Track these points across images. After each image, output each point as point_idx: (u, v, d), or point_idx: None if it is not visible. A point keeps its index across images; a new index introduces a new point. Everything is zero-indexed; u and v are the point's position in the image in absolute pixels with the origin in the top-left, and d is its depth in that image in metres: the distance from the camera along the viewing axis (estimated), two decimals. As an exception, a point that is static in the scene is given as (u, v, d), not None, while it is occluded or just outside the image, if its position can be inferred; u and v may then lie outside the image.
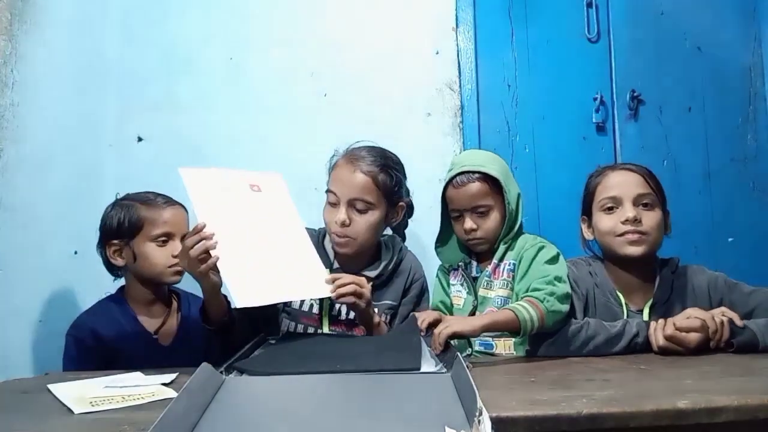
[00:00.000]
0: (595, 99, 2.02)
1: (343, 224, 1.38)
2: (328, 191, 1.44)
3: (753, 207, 2.05)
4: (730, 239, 2.02)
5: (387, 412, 0.80)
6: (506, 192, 1.37)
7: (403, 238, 1.60)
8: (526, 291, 1.26)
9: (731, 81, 2.10)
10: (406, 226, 1.60)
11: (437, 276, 1.54)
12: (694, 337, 1.14)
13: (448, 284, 1.49)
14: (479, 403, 0.69)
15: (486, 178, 1.37)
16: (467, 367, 0.87)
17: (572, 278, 1.35)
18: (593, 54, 2.05)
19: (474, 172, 1.38)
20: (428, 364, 1.03)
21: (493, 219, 1.39)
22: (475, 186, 1.37)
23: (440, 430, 0.67)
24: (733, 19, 2.12)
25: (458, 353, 1.00)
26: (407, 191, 1.53)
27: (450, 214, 1.44)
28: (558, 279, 1.26)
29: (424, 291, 1.52)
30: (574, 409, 0.75)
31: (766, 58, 2.11)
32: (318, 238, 1.51)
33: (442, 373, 0.97)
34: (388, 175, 1.43)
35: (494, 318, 1.19)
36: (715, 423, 0.76)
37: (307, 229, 1.48)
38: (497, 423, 0.70)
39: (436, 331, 1.13)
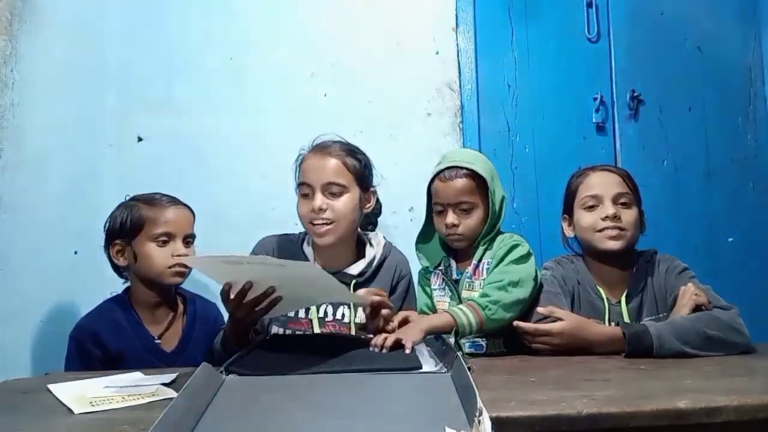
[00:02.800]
0: (595, 99, 2.02)
1: (320, 209, 1.39)
2: (299, 186, 1.45)
3: (753, 207, 2.05)
4: (730, 239, 2.02)
5: (387, 412, 0.80)
6: (491, 192, 1.38)
7: (375, 226, 1.61)
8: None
9: (731, 81, 2.10)
10: (377, 215, 1.62)
11: (419, 281, 1.55)
12: (557, 325, 1.20)
13: (430, 288, 1.50)
14: (479, 403, 0.69)
15: (473, 175, 1.39)
16: (469, 369, 0.88)
17: (560, 276, 1.41)
18: (593, 54, 2.05)
19: (462, 168, 1.39)
20: (428, 364, 1.03)
21: (475, 217, 1.40)
22: (462, 181, 1.39)
23: (440, 430, 0.67)
24: (733, 19, 2.12)
25: (458, 353, 1.00)
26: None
27: (434, 207, 1.45)
28: (513, 284, 1.30)
29: (410, 288, 1.53)
30: (574, 409, 0.75)
31: (766, 58, 2.11)
32: (298, 242, 1.51)
33: (442, 373, 0.97)
34: (355, 159, 1.46)
35: (434, 323, 1.25)
36: (715, 423, 0.76)
37: (287, 234, 1.52)
38: (497, 423, 0.70)
39: (378, 343, 1.13)
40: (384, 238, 1.56)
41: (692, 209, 2.00)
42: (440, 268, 1.48)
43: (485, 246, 1.41)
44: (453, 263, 1.47)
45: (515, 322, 1.25)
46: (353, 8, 2.04)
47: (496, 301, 1.27)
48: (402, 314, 1.33)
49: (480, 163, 1.41)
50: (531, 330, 1.22)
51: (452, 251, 1.48)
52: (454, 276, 1.45)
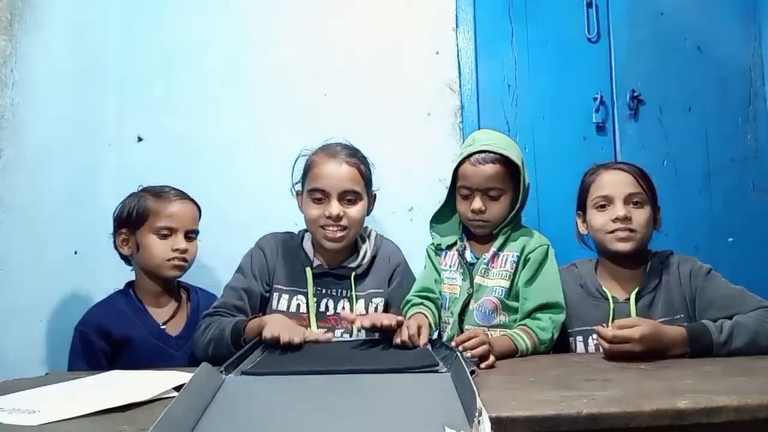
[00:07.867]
0: (595, 99, 2.01)
1: (338, 217, 1.41)
2: (309, 190, 1.45)
3: (753, 207, 2.05)
4: (730, 239, 2.02)
5: (387, 412, 0.80)
6: (523, 179, 1.38)
7: None
8: (532, 311, 1.32)
9: (731, 81, 2.09)
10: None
11: (428, 255, 1.52)
12: (637, 330, 1.13)
13: (439, 264, 1.48)
14: (479, 403, 0.69)
15: (504, 161, 1.37)
16: (472, 372, 0.88)
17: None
18: (593, 54, 2.04)
19: (495, 153, 1.36)
20: (428, 364, 1.03)
21: (502, 204, 1.39)
22: (494, 168, 1.36)
23: (440, 430, 0.67)
24: (733, 19, 2.11)
25: (458, 353, 1.00)
26: None
27: (459, 190, 1.42)
28: (560, 308, 1.34)
29: (406, 274, 1.55)
30: (574, 409, 0.75)
31: (766, 58, 2.11)
32: (298, 240, 1.54)
33: (442, 373, 0.97)
34: (366, 166, 1.49)
35: (501, 350, 1.22)
36: (715, 423, 0.76)
37: (288, 233, 1.55)
38: (497, 423, 0.70)
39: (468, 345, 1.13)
40: (374, 230, 1.60)
41: (692, 209, 2.00)
42: (456, 248, 1.45)
43: (506, 234, 1.40)
44: (469, 246, 1.44)
45: (596, 328, 1.20)
46: (353, 8, 2.04)
47: (544, 328, 1.30)
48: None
49: (512, 149, 1.39)
50: (610, 337, 1.14)
51: (469, 233, 1.46)
52: (469, 259, 1.42)
